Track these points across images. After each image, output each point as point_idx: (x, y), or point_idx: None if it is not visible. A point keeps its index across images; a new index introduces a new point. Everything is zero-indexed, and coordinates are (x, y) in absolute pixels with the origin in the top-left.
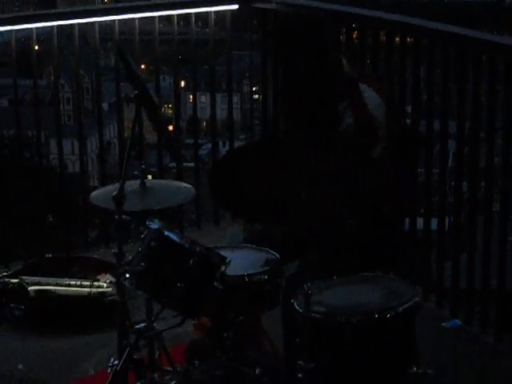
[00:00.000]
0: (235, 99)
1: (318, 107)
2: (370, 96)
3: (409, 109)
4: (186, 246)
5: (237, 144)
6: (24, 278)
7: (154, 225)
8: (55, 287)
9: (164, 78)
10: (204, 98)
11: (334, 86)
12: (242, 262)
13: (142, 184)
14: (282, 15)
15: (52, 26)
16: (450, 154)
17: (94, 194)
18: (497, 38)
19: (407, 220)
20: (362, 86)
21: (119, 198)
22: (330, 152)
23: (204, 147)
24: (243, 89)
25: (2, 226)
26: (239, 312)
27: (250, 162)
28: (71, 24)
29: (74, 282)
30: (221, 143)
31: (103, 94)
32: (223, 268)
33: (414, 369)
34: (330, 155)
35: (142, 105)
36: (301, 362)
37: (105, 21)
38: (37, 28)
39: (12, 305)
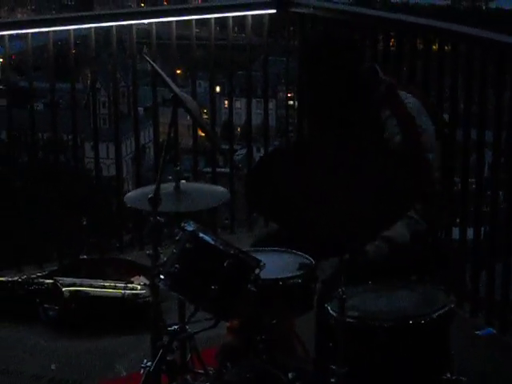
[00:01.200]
0: (270, 105)
1: (358, 111)
2: (413, 103)
3: (446, 117)
4: (221, 247)
5: None
6: (58, 278)
7: (189, 227)
8: (89, 288)
9: (200, 84)
10: (239, 104)
11: (371, 92)
12: (276, 265)
13: (177, 186)
14: (312, 35)
15: (89, 29)
16: (486, 164)
17: (128, 195)
18: None
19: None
20: (402, 93)
21: (155, 200)
22: (369, 156)
23: (238, 153)
24: (278, 95)
25: (37, 228)
26: (272, 315)
27: (286, 165)
28: (108, 27)
29: (108, 284)
30: (255, 149)
31: (139, 99)
32: (257, 271)
33: (448, 375)
34: (369, 159)
35: (179, 106)
36: (333, 367)
37: (142, 24)
38: (73, 31)
39: (46, 305)
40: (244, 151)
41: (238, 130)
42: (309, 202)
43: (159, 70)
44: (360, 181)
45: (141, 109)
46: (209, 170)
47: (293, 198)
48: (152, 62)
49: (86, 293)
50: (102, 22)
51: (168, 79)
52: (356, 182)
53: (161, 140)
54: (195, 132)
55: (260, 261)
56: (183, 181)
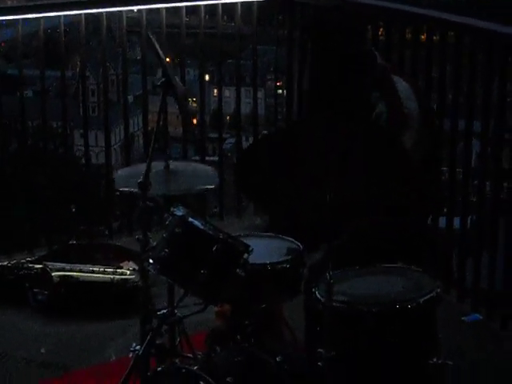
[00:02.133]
0: (259, 94)
1: (350, 94)
2: (403, 87)
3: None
4: (210, 232)
5: None
6: (48, 263)
7: (179, 211)
8: (78, 273)
9: (188, 72)
10: (228, 93)
11: (368, 75)
12: (264, 250)
13: (167, 166)
14: (314, 9)
15: (79, 16)
16: (474, 154)
17: (119, 173)
18: None
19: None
20: (395, 78)
21: (144, 184)
22: (359, 138)
23: (227, 141)
24: (267, 83)
25: (26, 214)
26: (261, 300)
27: (275, 151)
28: (99, 13)
29: (97, 269)
30: (244, 138)
31: (128, 87)
32: (246, 256)
33: (435, 359)
34: (359, 141)
35: (168, 93)
36: (321, 351)
37: (132, 12)
38: (63, 18)
39: (36, 290)
40: (233, 140)
41: (228, 118)
42: (298, 187)
43: (160, 53)
44: (349, 164)
45: (130, 97)
46: (198, 158)
47: (282, 184)
48: (156, 44)
49: (76, 278)
50: (93, 9)
51: (165, 63)
52: (345, 165)
53: (150, 128)
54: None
55: (248, 245)
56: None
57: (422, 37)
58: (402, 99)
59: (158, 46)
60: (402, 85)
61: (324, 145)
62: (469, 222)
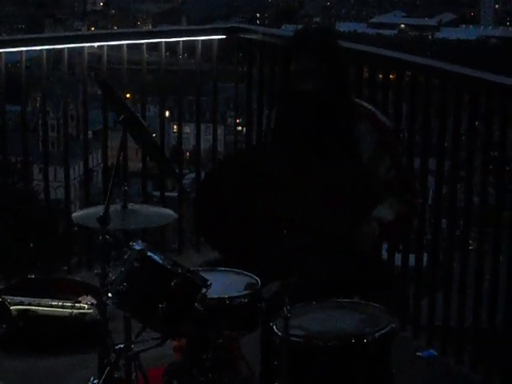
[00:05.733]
0: (219, 130)
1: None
2: (371, 107)
3: None
4: (168, 267)
5: None
6: (6, 297)
7: (138, 246)
8: (37, 307)
9: (149, 108)
10: (188, 129)
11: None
12: (223, 285)
13: (125, 205)
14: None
15: (41, 52)
16: (430, 192)
17: (76, 214)
18: (478, 73)
19: (385, 253)
20: (362, 102)
21: (104, 219)
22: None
23: (187, 177)
24: (227, 120)
25: None
26: (218, 334)
27: (233, 174)
28: (60, 49)
29: (55, 303)
30: (203, 174)
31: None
32: (204, 290)
33: None
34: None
35: (129, 128)
36: None
37: (93, 49)
38: (24, 53)
39: None
40: (192, 175)
41: (187, 154)
42: (254, 219)
43: (115, 91)
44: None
45: (90, 132)
46: (157, 193)
47: (239, 216)
48: (106, 83)
49: (34, 312)
50: (55, 45)
51: (124, 100)
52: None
53: (109, 164)
54: (144, 156)
55: (207, 280)
56: (131, 203)
57: (380, 76)
58: (379, 116)
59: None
60: (370, 106)
61: (285, 177)
62: (424, 259)
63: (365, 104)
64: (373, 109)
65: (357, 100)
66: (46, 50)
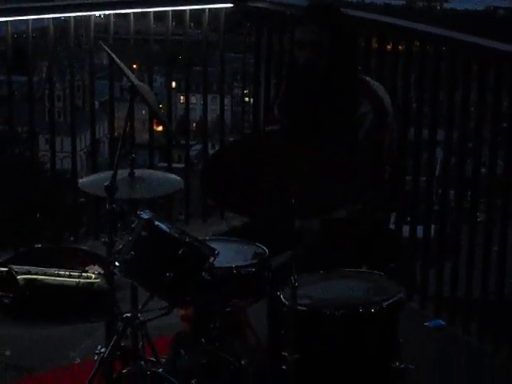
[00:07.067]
0: (226, 101)
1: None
2: (376, 85)
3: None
4: (176, 236)
5: None
6: (13, 266)
7: (145, 215)
8: (44, 277)
9: (155, 79)
10: (194, 99)
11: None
12: (230, 254)
13: (131, 173)
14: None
15: (47, 21)
16: (438, 163)
17: (82, 180)
18: (488, 42)
19: (393, 225)
20: (366, 77)
21: (111, 188)
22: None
23: (193, 148)
24: (234, 91)
25: None
26: (226, 303)
27: (241, 157)
28: (67, 18)
29: (62, 272)
30: (210, 145)
31: (95, 92)
32: (212, 259)
33: (397, 363)
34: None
35: (136, 97)
36: (285, 354)
37: (99, 19)
38: (31, 23)
39: (1, 293)
40: (199, 147)
41: (194, 125)
42: (262, 193)
43: (117, 60)
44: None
45: (96, 103)
46: (164, 165)
47: (247, 189)
48: (110, 52)
49: (41, 281)
50: (61, 13)
51: (126, 69)
52: (313, 172)
53: (116, 134)
54: (151, 127)
55: (214, 249)
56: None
57: (388, 46)
58: (381, 96)
59: (115, 57)
60: (374, 83)
61: (292, 155)
62: (432, 230)
63: (370, 81)
64: (375, 86)
65: (363, 77)
66: (52, 19)
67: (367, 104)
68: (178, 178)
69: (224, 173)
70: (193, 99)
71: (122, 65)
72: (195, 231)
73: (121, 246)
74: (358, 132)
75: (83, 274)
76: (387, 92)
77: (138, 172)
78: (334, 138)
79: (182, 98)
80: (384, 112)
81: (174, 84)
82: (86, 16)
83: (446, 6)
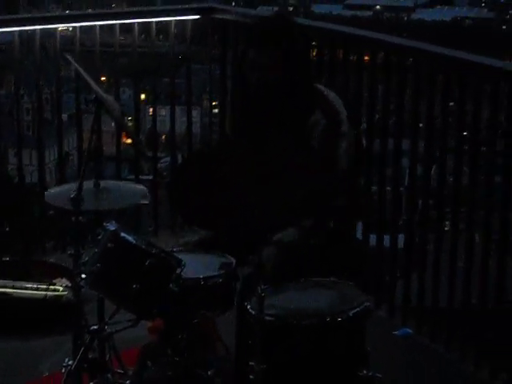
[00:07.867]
0: (194, 113)
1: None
2: (332, 95)
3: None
4: (143, 247)
5: None
6: None
7: (111, 226)
8: (11, 290)
9: (124, 91)
10: (163, 111)
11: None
12: (197, 265)
13: (97, 184)
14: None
15: (13, 35)
16: (407, 173)
17: (48, 192)
18: (451, 52)
19: (360, 235)
20: (320, 86)
21: (77, 200)
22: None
23: (162, 161)
24: (203, 103)
25: None
26: (194, 314)
27: (206, 167)
28: (33, 30)
29: (30, 286)
30: (180, 157)
31: (63, 105)
32: (179, 270)
33: (364, 371)
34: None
35: (102, 109)
36: (252, 364)
37: (66, 31)
38: None
39: None
40: (168, 159)
41: (163, 137)
42: (226, 202)
43: (81, 70)
44: (278, 181)
45: (65, 115)
46: (132, 177)
47: (212, 199)
48: (76, 64)
49: (8, 294)
50: (27, 26)
51: (91, 81)
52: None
53: (84, 147)
54: (118, 138)
55: (181, 260)
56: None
57: (352, 58)
58: (336, 106)
59: (80, 68)
60: (330, 93)
61: (251, 162)
62: (399, 240)
63: (323, 90)
64: (330, 96)
65: (316, 85)
66: (18, 32)
67: (319, 112)
68: (144, 187)
69: (187, 187)
70: (162, 111)
71: (87, 77)
72: (164, 243)
73: (87, 258)
74: (310, 139)
75: (50, 286)
76: (346, 102)
77: (103, 183)
78: (283, 154)
79: (150, 110)
80: (337, 119)
81: (143, 96)
82: (52, 29)
83: (414, 16)
